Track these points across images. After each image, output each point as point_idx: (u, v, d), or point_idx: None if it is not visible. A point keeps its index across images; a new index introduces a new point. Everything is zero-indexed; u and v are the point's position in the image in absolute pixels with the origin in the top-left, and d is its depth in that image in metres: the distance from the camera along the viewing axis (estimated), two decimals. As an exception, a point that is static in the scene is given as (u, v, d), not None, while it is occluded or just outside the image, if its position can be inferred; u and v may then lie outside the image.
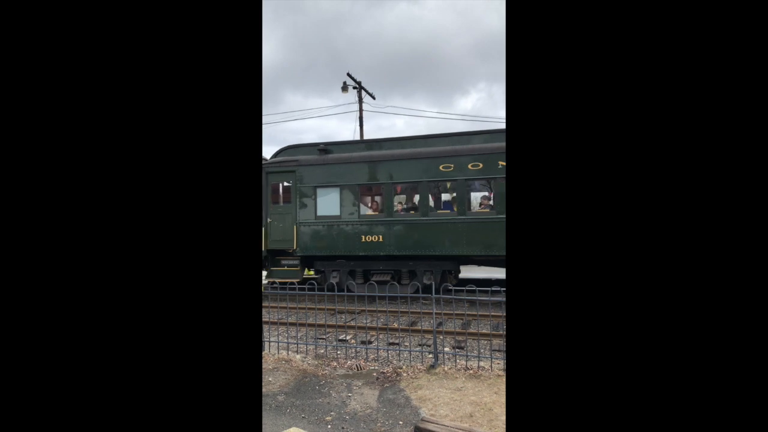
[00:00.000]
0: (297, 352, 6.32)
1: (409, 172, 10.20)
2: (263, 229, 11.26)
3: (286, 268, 11.39)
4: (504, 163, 9.26)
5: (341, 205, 10.72)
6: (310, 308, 8.68)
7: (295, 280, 10.93)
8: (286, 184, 11.60)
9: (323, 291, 6.40)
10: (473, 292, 5.84)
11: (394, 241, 10.20)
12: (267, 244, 11.28)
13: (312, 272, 11.82)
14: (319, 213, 10.91)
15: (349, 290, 10.47)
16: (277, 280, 11.10)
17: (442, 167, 9.84)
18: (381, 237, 10.34)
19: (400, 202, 10.74)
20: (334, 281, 10.77)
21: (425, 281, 10.08)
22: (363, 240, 10.50)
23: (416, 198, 10.58)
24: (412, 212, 10.42)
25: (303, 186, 11.03)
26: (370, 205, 11.20)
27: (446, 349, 6.41)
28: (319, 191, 10.95)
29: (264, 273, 12.90)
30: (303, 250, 11.01)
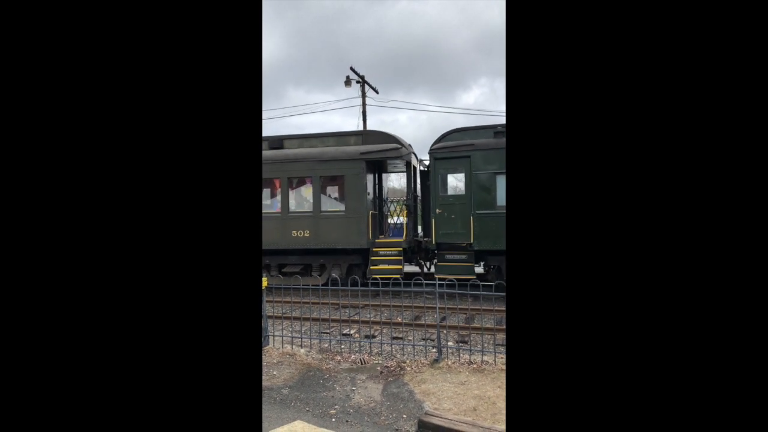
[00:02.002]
0: (301, 346, 6.35)
1: None
2: (433, 220, 10.50)
3: (456, 263, 10.43)
4: None
5: None
6: (314, 303, 8.72)
7: (469, 278, 9.78)
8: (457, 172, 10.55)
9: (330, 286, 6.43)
10: (477, 286, 5.85)
11: None
12: (435, 237, 10.41)
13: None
14: (500, 202, 9.85)
15: None
16: (454, 278, 9.44)
17: None
18: None
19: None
20: None
21: None
22: None
23: None
24: None
25: (480, 172, 10.04)
26: None
27: (450, 343, 6.43)
28: (499, 178, 9.89)
29: (422, 268, 11.84)
30: (480, 243, 10.00)
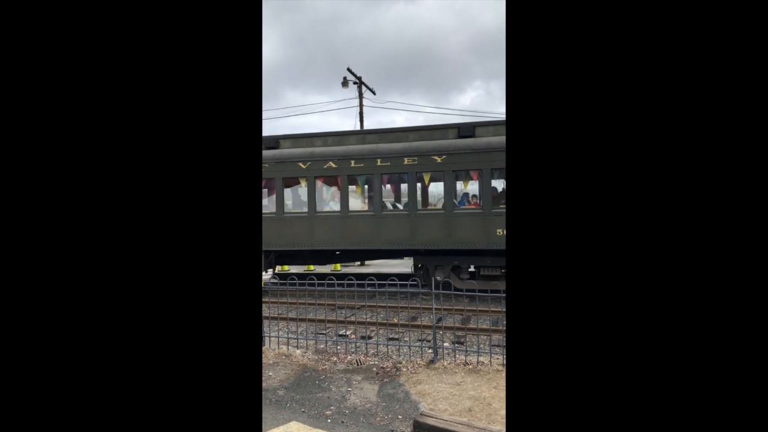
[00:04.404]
0: (297, 347, 6.34)
1: None
2: None
3: None
4: None
5: None
6: (310, 303, 8.70)
7: None
8: None
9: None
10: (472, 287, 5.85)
11: None
12: None
13: None
14: None
15: None
16: None
17: None
18: None
19: None
20: None
21: None
22: None
23: None
24: None
25: None
26: None
27: (446, 344, 6.43)
28: None
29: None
30: None
